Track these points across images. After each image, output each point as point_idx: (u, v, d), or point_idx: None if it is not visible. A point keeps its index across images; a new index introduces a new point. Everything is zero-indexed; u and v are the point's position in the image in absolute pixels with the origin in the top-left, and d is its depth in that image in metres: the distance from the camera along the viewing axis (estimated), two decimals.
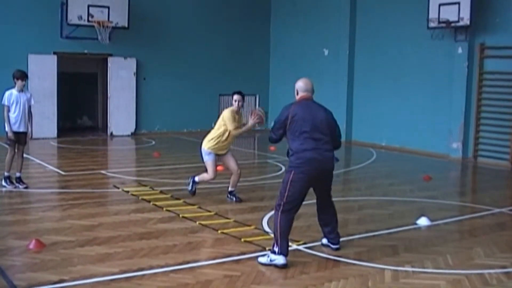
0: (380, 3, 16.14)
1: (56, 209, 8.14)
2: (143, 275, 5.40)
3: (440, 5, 13.65)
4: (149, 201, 8.48)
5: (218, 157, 8.55)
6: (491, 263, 5.97)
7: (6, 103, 9.18)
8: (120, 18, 16.32)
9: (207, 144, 8.44)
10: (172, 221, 7.42)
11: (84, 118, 19.81)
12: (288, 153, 5.87)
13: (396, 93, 15.71)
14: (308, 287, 5.19)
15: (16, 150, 9.35)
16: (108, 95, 17.54)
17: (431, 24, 13.94)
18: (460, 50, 13.90)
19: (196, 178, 8.68)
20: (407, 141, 15.32)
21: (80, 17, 15.82)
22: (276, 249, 5.69)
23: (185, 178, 9.31)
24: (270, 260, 5.69)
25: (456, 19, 13.39)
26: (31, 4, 16.07)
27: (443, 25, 13.68)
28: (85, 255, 5.93)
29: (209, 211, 7.95)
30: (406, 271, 5.69)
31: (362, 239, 6.40)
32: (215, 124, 8.60)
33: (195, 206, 8.21)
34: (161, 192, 9.20)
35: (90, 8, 15.86)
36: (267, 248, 6.05)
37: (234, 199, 8.66)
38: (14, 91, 9.26)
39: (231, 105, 8.55)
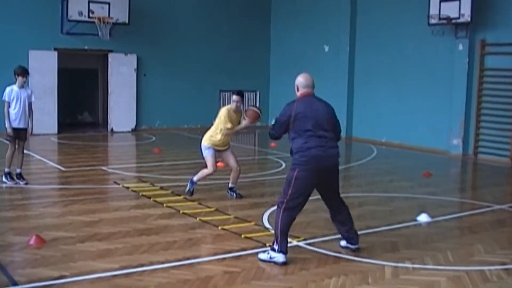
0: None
1: (57, 205, 8.14)
2: (144, 271, 5.40)
3: (441, 1, 13.66)
4: (149, 197, 8.48)
5: (218, 154, 8.54)
6: (491, 260, 5.97)
7: (6, 99, 9.17)
8: (120, 14, 16.32)
9: (206, 140, 8.46)
10: (172, 217, 7.42)
11: (84, 114, 19.85)
12: (291, 151, 5.80)
13: (397, 90, 15.69)
14: (308, 283, 5.19)
15: (16, 146, 9.35)
16: (109, 91, 17.55)
17: (432, 21, 13.92)
18: (460, 47, 13.89)
19: (195, 178, 8.58)
20: (407, 137, 15.31)
21: (80, 13, 15.82)
22: (276, 247, 5.69)
23: (186, 174, 9.30)
24: (270, 257, 5.69)
25: (457, 15, 13.39)
26: (32, 0, 16.06)
27: (444, 21, 13.67)
28: (86, 251, 5.93)
29: (209, 207, 7.95)
30: (406, 267, 5.69)
31: (362, 235, 6.39)
32: (215, 120, 8.60)
33: (195, 202, 8.21)
34: (162, 188, 9.20)
35: (91, 4, 15.89)
36: (267, 244, 6.05)
37: (234, 195, 8.66)
38: (15, 87, 9.25)
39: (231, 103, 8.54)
